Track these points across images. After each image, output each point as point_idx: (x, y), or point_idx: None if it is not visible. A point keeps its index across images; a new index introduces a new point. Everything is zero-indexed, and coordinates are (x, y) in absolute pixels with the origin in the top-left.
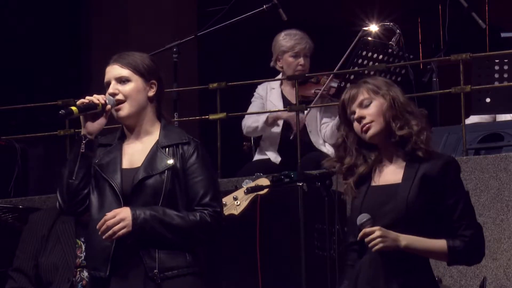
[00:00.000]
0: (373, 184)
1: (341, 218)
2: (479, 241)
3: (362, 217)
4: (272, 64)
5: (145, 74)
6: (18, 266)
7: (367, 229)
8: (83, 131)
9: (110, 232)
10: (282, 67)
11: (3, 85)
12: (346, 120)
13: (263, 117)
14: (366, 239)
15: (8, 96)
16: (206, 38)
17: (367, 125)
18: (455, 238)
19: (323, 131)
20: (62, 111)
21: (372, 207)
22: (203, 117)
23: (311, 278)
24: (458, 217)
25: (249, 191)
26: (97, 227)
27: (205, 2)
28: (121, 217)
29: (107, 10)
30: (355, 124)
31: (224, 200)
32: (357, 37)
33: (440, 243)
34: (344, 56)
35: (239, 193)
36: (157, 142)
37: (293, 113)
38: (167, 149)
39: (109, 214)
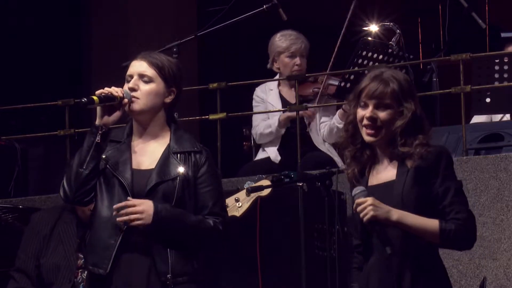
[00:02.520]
0: (369, 184)
1: (341, 218)
2: (471, 226)
3: (357, 189)
4: (269, 65)
5: (168, 80)
6: (19, 266)
7: (359, 200)
8: (98, 122)
9: (125, 218)
10: (279, 68)
11: (3, 85)
12: (357, 102)
13: (274, 121)
14: (358, 209)
15: (8, 96)
16: (206, 38)
17: (373, 131)
18: (448, 221)
19: (321, 130)
20: (84, 99)
21: None
22: (203, 117)
23: (311, 278)
24: (449, 203)
25: (249, 191)
26: (114, 207)
27: (205, 2)
28: (142, 208)
29: (107, 10)
30: (361, 110)
31: (226, 201)
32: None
33: (433, 222)
34: (334, 54)
35: (241, 194)
36: (169, 147)
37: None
38: (179, 155)
39: (131, 201)
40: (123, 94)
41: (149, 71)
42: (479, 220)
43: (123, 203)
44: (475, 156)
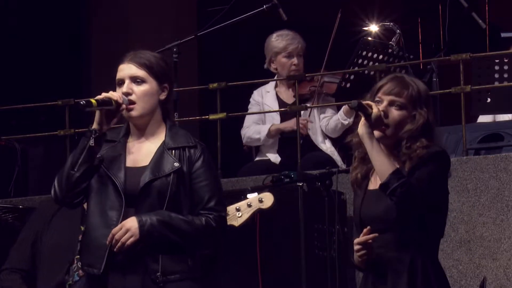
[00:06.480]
0: (370, 188)
1: (341, 218)
2: (414, 201)
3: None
4: (265, 66)
5: (160, 77)
6: (15, 248)
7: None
8: (95, 125)
9: (119, 244)
10: (276, 69)
11: (3, 85)
12: (373, 100)
13: (264, 129)
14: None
15: (8, 96)
16: (206, 38)
17: (382, 128)
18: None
19: (324, 123)
20: (83, 102)
21: (369, 212)
22: (203, 117)
23: (311, 278)
24: (416, 178)
25: (249, 206)
26: (107, 242)
27: (205, 2)
28: (127, 227)
29: (107, 10)
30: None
31: (227, 209)
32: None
33: (392, 165)
34: (327, 53)
35: (242, 205)
36: (164, 144)
37: (293, 123)
38: (173, 151)
39: (116, 228)
40: (122, 99)
41: (139, 72)
42: (479, 220)
43: (110, 236)
44: (475, 156)
